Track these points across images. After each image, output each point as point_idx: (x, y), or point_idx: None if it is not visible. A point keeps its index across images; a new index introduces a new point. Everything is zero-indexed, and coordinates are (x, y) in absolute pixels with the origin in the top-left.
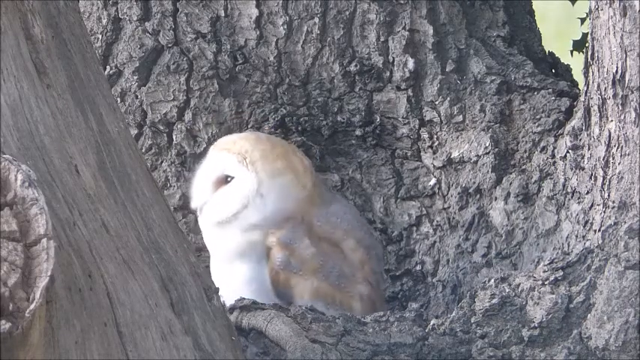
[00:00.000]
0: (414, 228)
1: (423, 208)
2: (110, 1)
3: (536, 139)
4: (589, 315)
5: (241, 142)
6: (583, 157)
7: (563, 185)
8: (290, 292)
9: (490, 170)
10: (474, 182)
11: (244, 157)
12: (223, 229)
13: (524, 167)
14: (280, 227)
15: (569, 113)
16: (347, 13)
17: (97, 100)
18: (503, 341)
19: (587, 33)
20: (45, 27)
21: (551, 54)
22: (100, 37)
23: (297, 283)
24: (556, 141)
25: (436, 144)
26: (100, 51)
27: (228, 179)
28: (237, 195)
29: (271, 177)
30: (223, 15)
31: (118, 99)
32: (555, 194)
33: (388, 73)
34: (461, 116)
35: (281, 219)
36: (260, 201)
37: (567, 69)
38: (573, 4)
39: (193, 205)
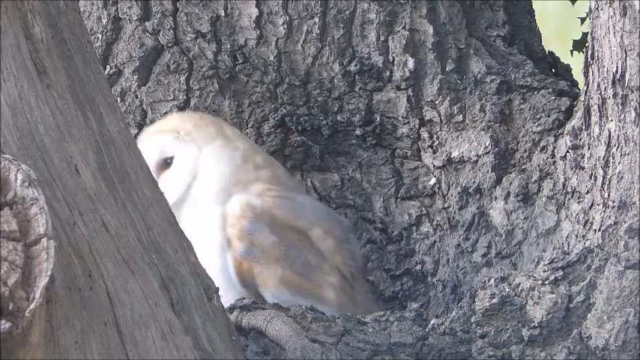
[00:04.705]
0: (414, 228)
1: (423, 208)
2: (110, 1)
3: (536, 139)
4: (589, 315)
5: (170, 120)
6: (583, 157)
7: (563, 185)
8: (254, 281)
9: (490, 170)
10: (474, 182)
11: (178, 132)
12: (180, 211)
13: (524, 167)
14: (240, 215)
15: (569, 113)
16: (347, 12)
17: (97, 100)
18: (503, 341)
19: (587, 33)
20: (45, 27)
21: (551, 54)
22: (100, 36)
23: (260, 272)
24: (556, 141)
25: (436, 144)
26: (100, 51)
27: (168, 161)
28: (183, 170)
29: (207, 143)
30: (223, 15)
31: (118, 99)
32: (555, 194)
33: (388, 73)
34: (461, 116)
35: (228, 187)
36: (203, 169)
37: (567, 69)
38: (573, 4)
39: None
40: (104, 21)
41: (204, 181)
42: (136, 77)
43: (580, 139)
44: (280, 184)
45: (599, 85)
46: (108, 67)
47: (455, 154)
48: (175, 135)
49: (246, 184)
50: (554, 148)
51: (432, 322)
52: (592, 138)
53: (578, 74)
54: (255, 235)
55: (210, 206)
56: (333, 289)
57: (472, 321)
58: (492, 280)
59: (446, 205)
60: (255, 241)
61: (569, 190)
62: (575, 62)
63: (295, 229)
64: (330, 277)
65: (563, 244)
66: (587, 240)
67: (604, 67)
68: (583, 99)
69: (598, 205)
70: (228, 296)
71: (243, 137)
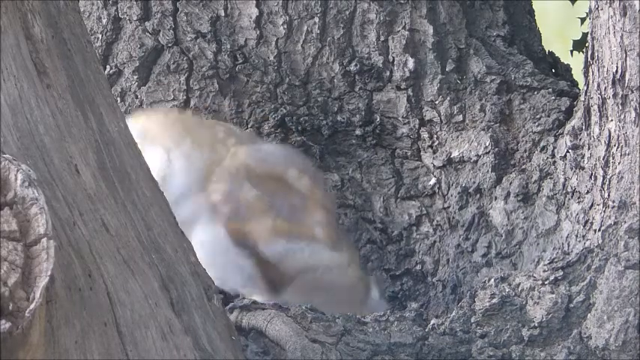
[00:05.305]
0: (414, 228)
1: (423, 208)
2: (110, 1)
3: (536, 139)
4: (589, 315)
5: (137, 121)
6: (583, 157)
7: (563, 185)
8: (249, 239)
9: (490, 170)
10: (474, 182)
11: (145, 135)
12: None
13: (524, 167)
14: (217, 179)
15: (569, 113)
16: (347, 12)
17: (97, 100)
18: (503, 341)
19: (587, 33)
20: (45, 27)
21: (551, 54)
22: (100, 36)
23: (252, 228)
24: (556, 141)
25: (436, 144)
26: (100, 51)
27: None
28: (152, 172)
29: (175, 144)
30: (223, 15)
31: (118, 99)
32: (555, 194)
33: (388, 73)
34: (461, 116)
35: (203, 178)
36: (172, 170)
37: (567, 69)
38: (573, 4)
39: None
40: (104, 21)
41: (178, 182)
42: (136, 77)
43: (580, 139)
44: (243, 140)
45: (599, 85)
46: (108, 67)
47: (455, 154)
48: (142, 137)
49: (220, 162)
50: (554, 148)
51: (432, 322)
52: (592, 138)
53: (578, 74)
54: (238, 193)
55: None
56: (321, 225)
57: (472, 321)
58: (492, 280)
59: (446, 205)
60: (240, 199)
61: (569, 190)
62: (575, 62)
63: (272, 176)
64: (315, 215)
65: (563, 244)
66: (587, 240)
67: (604, 67)
68: (583, 99)
69: (598, 205)
70: (226, 262)
71: (202, 121)
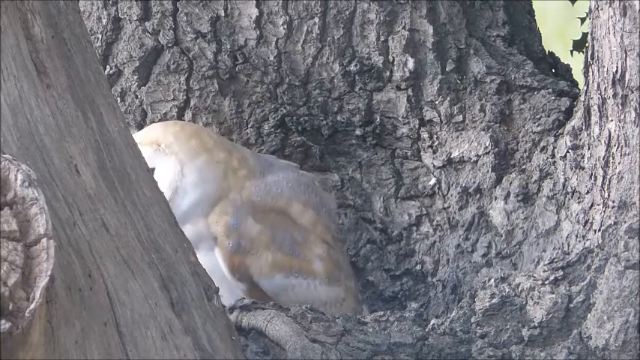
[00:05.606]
0: (414, 228)
1: (423, 208)
2: (110, 1)
3: (536, 139)
4: (589, 315)
5: (150, 132)
6: (583, 157)
7: (563, 185)
8: (248, 272)
9: (490, 170)
10: (474, 182)
11: (159, 145)
12: None
13: (524, 167)
14: (220, 211)
15: (569, 113)
16: (347, 12)
17: (97, 100)
18: (503, 341)
19: (587, 33)
20: (45, 27)
21: (551, 54)
22: (100, 36)
23: (252, 262)
24: (556, 141)
25: (436, 144)
26: (100, 51)
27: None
28: (164, 182)
29: (190, 157)
30: (223, 15)
31: (118, 99)
32: (555, 194)
33: (388, 73)
34: (461, 116)
35: (212, 202)
36: (184, 184)
37: (567, 69)
38: (573, 4)
39: None
40: (104, 21)
41: (189, 198)
42: (136, 77)
43: (580, 139)
44: (254, 173)
45: (599, 85)
46: (108, 67)
47: (455, 154)
48: (156, 147)
49: (228, 192)
50: (554, 148)
51: (432, 322)
52: (592, 138)
53: (578, 74)
54: (241, 227)
55: (194, 219)
56: (320, 260)
57: (472, 321)
58: (492, 280)
59: (446, 205)
60: (243, 234)
61: (569, 190)
62: (575, 62)
63: (275, 210)
64: (316, 249)
65: (563, 244)
66: (587, 240)
67: (604, 67)
68: (583, 99)
69: (598, 205)
70: (224, 292)
71: (221, 142)
